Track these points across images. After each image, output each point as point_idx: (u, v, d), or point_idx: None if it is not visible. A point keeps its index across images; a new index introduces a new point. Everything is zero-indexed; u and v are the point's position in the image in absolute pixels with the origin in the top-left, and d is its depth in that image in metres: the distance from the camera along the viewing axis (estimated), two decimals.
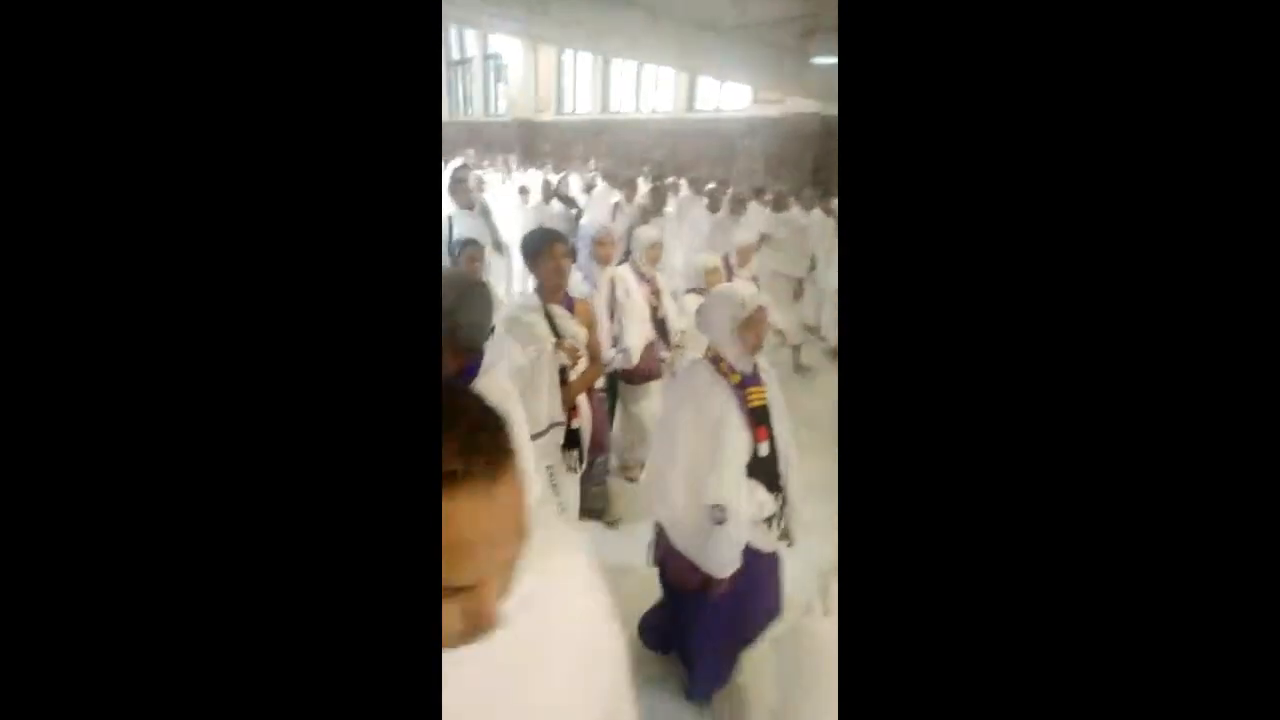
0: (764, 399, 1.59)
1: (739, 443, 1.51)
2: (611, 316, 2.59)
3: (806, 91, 6.68)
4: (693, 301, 2.70)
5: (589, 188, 6.60)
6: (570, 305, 2.09)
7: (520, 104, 12.30)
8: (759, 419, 1.56)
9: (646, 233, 2.96)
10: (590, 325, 2.11)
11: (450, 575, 0.48)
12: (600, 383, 2.40)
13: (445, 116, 14.48)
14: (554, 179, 6.35)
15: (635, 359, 2.57)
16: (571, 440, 2.04)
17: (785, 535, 1.67)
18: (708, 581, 1.56)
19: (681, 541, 1.58)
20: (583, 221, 2.94)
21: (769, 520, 1.59)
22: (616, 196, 5.58)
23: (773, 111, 7.93)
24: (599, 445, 2.32)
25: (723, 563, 1.52)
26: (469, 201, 3.75)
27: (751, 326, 1.52)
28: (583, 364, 2.07)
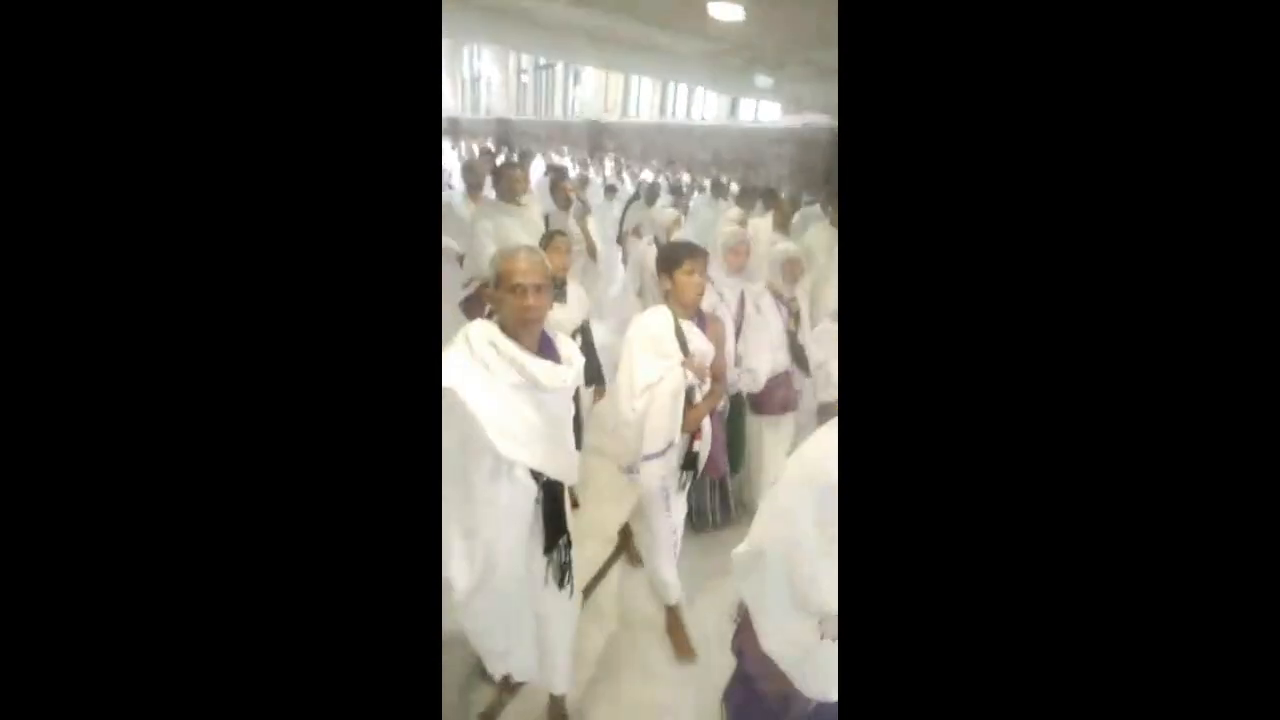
0: None
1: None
2: (738, 334, 2.36)
3: (823, 108, 8.36)
4: (827, 332, 2.42)
5: (675, 189, 6.35)
6: (703, 322, 1.95)
7: (592, 106, 14.36)
8: None
9: (784, 247, 2.64)
10: (720, 344, 1.98)
11: None
12: (720, 404, 2.19)
13: (529, 116, 16.80)
14: (652, 178, 6.42)
15: (761, 383, 2.36)
16: (689, 461, 1.91)
17: None
18: (789, 699, 1.26)
19: (784, 652, 1.24)
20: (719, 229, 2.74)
21: None
22: (726, 204, 5.17)
23: (795, 123, 9.66)
24: (714, 469, 2.10)
25: (824, 687, 1.21)
26: (566, 201, 3.65)
27: None
28: (707, 384, 1.92)
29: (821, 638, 1.15)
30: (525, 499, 1.40)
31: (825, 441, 1.17)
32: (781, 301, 2.51)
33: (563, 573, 1.49)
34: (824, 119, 8.98)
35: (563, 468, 1.44)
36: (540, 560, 1.47)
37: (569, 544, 1.50)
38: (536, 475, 1.40)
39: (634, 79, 13.80)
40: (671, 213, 3.69)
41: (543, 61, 16.18)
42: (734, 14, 3.27)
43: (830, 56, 4.37)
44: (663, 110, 13.08)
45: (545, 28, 4.66)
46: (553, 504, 1.44)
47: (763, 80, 5.65)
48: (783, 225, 4.17)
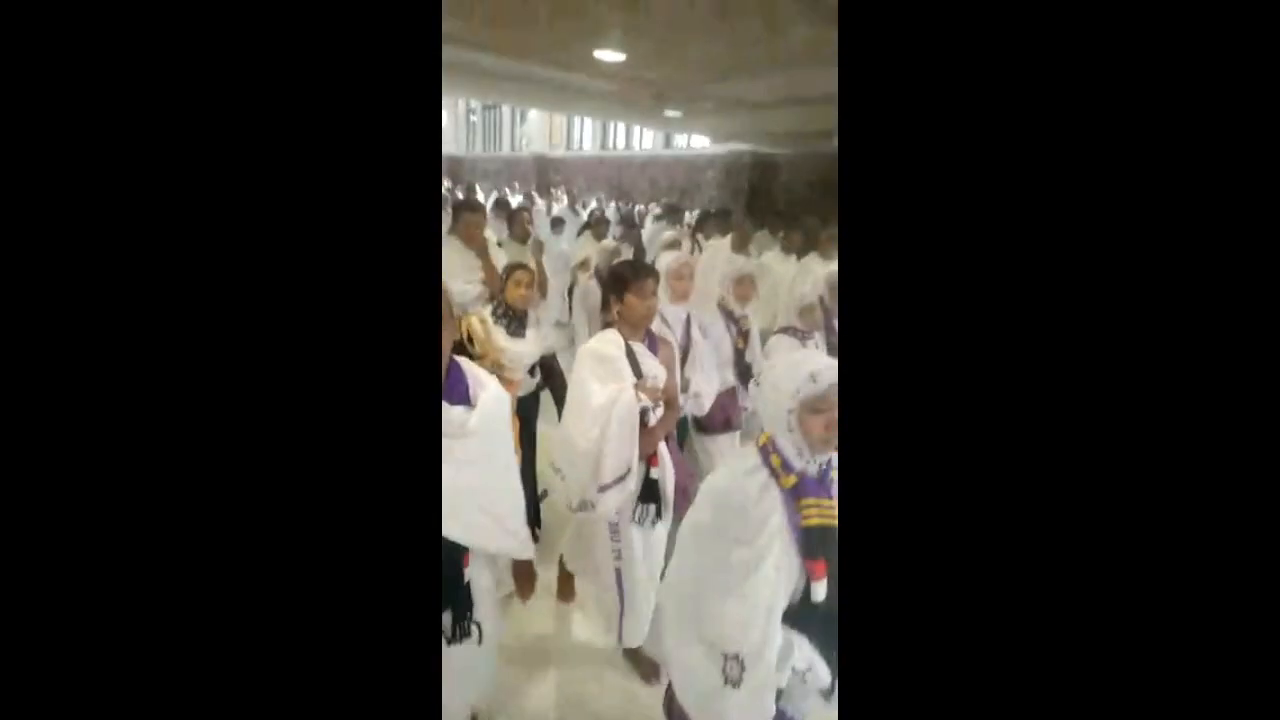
0: (830, 516, 1.07)
1: (780, 575, 1.03)
2: (684, 360, 2.28)
3: (741, 137, 9.25)
4: (780, 345, 2.44)
5: (626, 219, 6.48)
6: (654, 344, 1.91)
7: (537, 141, 15.16)
8: (816, 545, 1.05)
9: (737, 265, 2.65)
10: (669, 366, 1.93)
11: None
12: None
13: (478, 152, 17.51)
14: (604, 209, 6.75)
15: (706, 406, 2.28)
16: (649, 492, 1.80)
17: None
18: None
19: (687, 697, 1.13)
20: (661, 255, 2.68)
21: (824, 694, 1.09)
22: (670, 230, 5.28)
23: (720, 150, 10.56)
24: (685, 496, 1.90)
25: None
26: (524, 234, 3.73)
27: (822, 409, 1.04)
28: (660, 408, 1.86)
29: (725, 683, 1.03)
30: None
31: (735, 464, 1.15)
32: (731, 320, 2.55)
33: (454, 634, 1.26)
34: (745, 146, 9.89)
35: (463, 531, 1.18)
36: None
37: (466, 609, 1.28)
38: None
39: (576, 116, 14.65)
40: (610, 244, 3.85)
41: (489, 102, 16.99)
42: (616, 57, 3.99)
43: (725, 89, 5.13)
44: (604, 143, 13.96)
45: (483, 75, 5.30)
46: (450, 565, 1.21)
47: (672, 112, 6.42)
48: (741, 246, 4.10)
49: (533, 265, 2.68)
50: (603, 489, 1.71)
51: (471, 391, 1.23)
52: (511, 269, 2.41)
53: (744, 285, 2.56)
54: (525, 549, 1.34)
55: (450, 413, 1.16)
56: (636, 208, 9.03)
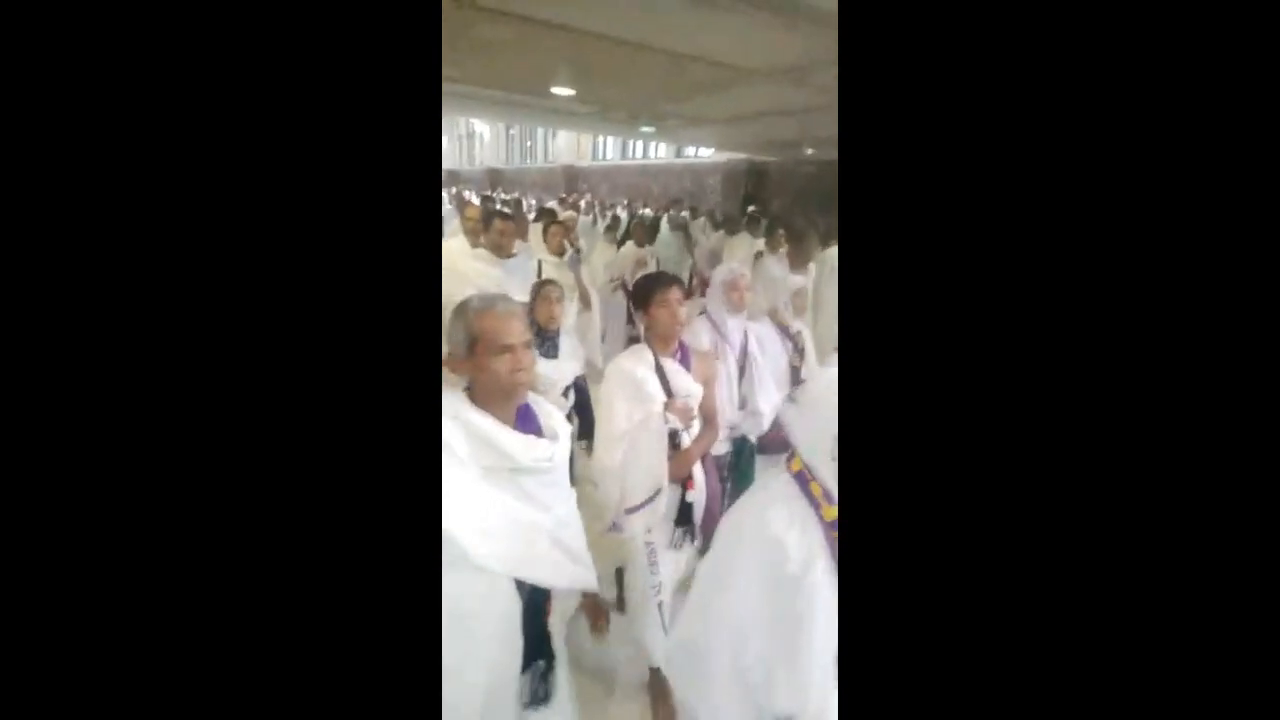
0: None
1: (829, 622, 0.88)
2: (742, 374, 2.18)
3: (741, 147, 10.23)
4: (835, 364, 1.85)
5: (678, 224, 6.39)
6: (686, 358, 1.78)
7: (565, 153, 16.50)
8: None
9: (793, 280, 2.54)
10: (708, 382, 1.80)
11: None
12: (724, 449, 2.09)
13: (516, 163, 19.01)
14: (624, 216, 6.60)
15: (766, 425, 2.15)
16: (684, 515, 1.71)
17: None
18: None
19: None
20: (718, 266, 2.45)
21: None
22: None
23: (722, 159, 11.55)
24: (713, 519, 1.78)
25: None
26: (560, 248, 3.47)
27: None
28: (696, 427, 1.75)
29: None
30: (507, 613, 1.08)
31: (767, 492, 0.99)
32: (786, 335, 2.42)
33: (536, 696, 1.18)
34: (740, 156, 10.84)
35: (548, 570, 1.12)
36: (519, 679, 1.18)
37: (550, 666, 1.20)
38: (520, 586, 1.09)
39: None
40: (636, 252, 3.85)
41: (486, 120, 18.44)
42: (568, 92, 5.07)
43: (681, 108, 6.11)
44: (623, 154, 15.14)
45: (472, 99, 6.43)
46: (532, 615, 1.13)
47: (646, 129, 7.45)
48: (801, 261, 3.47)
49: (562, 281, 2.60)
50: (628, 512, 1.67)
51: (544, 423, 1.18)
52: (540, 285, 2.32)
53: (800, 298, 2.51)
54: (593, 579, 1.26)
55: (539, 446, 1.10)
56: (684, 214, 8.54)
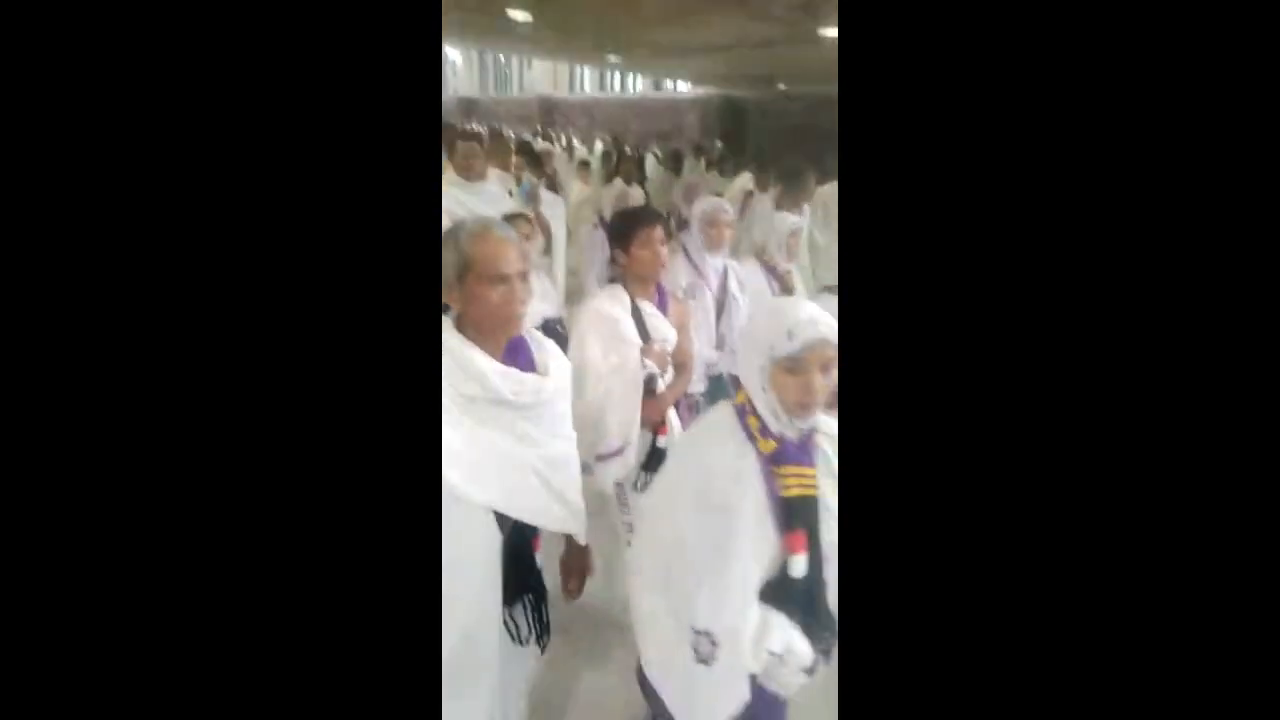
0: (810, 486, 1.00)
1: (756, 548, 0.98)
2: (720, 314, 2.16)
3: (716, 81, 9.97)
4: (829, 304, 2.00)
5: (673, 156, 6.26)
6: (664, 302, 1.74)
7: (541, 83, 15.91)
8: (796, 517, 0.99)
9: (789, 220, 2.45)
10: (683, 328, 1.77)
11: None
12: (700, 386, 2.07)
13: (488, 94, 18.32)
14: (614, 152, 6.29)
15: None
16: (654, 460, 1.66)
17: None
18: None
19: (654, 670, 1.08)
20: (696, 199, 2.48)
21: (813, 672, 1.02)
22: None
23: (700, 94, 11.27)
24: None
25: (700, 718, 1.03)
26: (544, 176, 3.50)
27: (799, 370, 0.94)
28: (671, 373, 1.71)
29: (695, 659, 0.98)
30: (488, 548, 1.07)
31: (709, 421, 1.06)
32: (774, 275, 2.37)
33: (522, 629, 1.17)
34: (716, 90, 10.58)
35: (529, 505, 1.10)
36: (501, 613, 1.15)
37: (539, 599, 1.19)
38: (502, 519, 1.08)
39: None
40: (619, 188, 3.81)
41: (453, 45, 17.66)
42: (524, 16, 4.92)
43: (644, 37, 5.93)
44: (601, 86, 14.66)
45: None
46: (518, 548, 1.13)
47: (612, 58, 7.27)
48: (793, 201, 3.44)
49: (532, 215, 2.49)
50: (600, 458, 1.63)
51: (536, 358, 1.14)
52: (511, 218, 2.20)
53: (794, 238, 2.42)
54: (582, 526, 1.23)
55: (524, 380, 1.06)
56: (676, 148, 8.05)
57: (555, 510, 1.15)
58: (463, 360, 1.02)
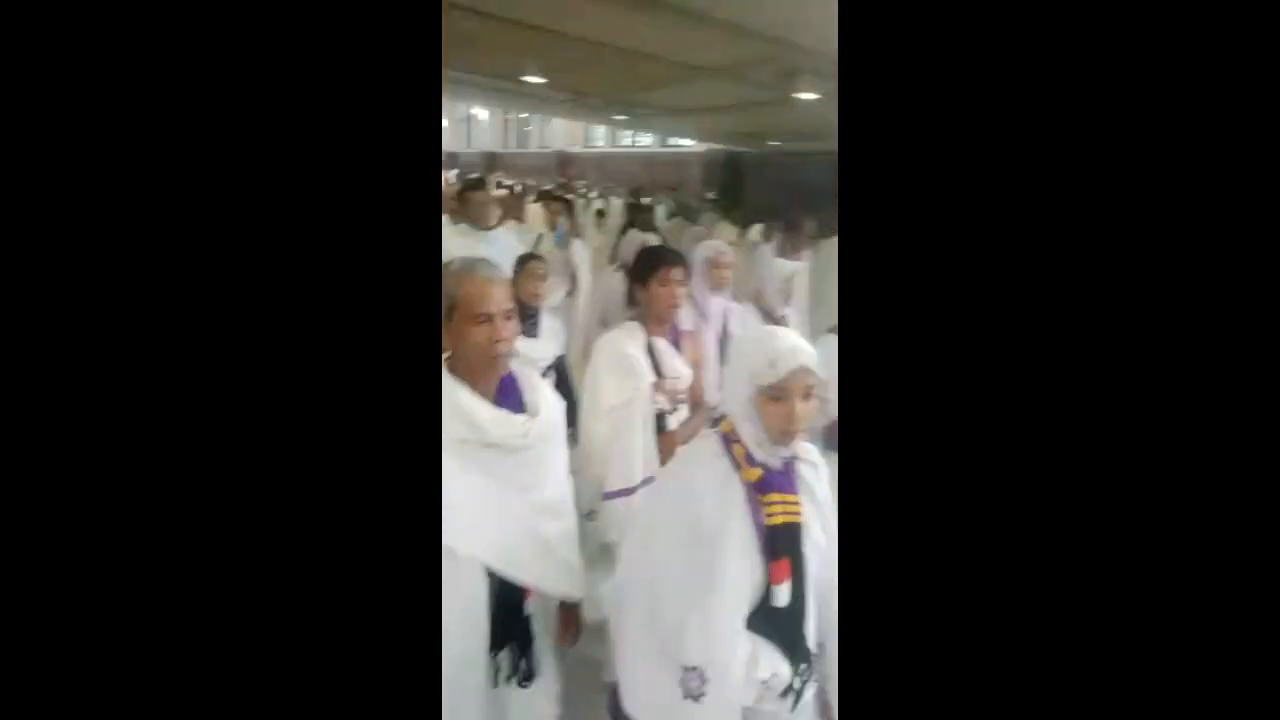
0: (795, 514, 1.02)
1: (741, 578, 0.99)
2: (722, 354, 2.09)
3: (716, 138, 10.82)
4: (825, 346, 2.00)
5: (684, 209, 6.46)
6: (678, 340, 1.75)
7: (561, 139, 17.11)
8: (781, 545, 1.00)
9: (783, 266, 2.52)
10: (698, 365, 1.79)
11: None
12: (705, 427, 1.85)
13: (509, 147, 19.56)
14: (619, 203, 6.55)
15: None
16: None
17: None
18: None
19: (637, 707, 1.04)
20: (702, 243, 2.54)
21: (787, 695, 1.02)
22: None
23: (701, 149, 12.18)
24: None
25: None
26: (553, 223, 3.65)
27: (782, 398, 0.96)
28: (684, 412, 1.73)
29: (684, 696, 0.95)
30: (473, 598, 1.04)
31: (695, 451, 1.06)
32: (771, 320, 2.35)
33: (504, 672, 1.12)
34: (719, 146, 11.47)
35: (525, 562, 1.06)
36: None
37: (527, 647, 1.15)
38: (491, 574, 1.06)
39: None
40: (645, 236, 3.90)
41: (476, 106, 18.87)
42: (539, 80, 5.67)
43: (646, 99, 6.68)
44: (613, 141, 15.73)
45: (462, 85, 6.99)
46: (508, 596, 1.09)
47: (618, 117, 8.06)
48: (793, 248, 3.60)
49: (548, 257, 2.59)
50: (607, 496, 1.60)
51: (526, 398, 1.12)
52: (524, 260, 2.30)
53: (791, 285, 2.49)
54: (577, 586, 1.19)
55: (512, 421, 1.05)
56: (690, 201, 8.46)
57: (547, 568, 1.14)
58: (451, 399, 1.02)
